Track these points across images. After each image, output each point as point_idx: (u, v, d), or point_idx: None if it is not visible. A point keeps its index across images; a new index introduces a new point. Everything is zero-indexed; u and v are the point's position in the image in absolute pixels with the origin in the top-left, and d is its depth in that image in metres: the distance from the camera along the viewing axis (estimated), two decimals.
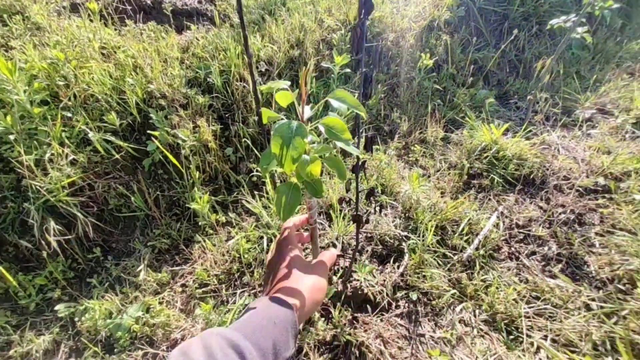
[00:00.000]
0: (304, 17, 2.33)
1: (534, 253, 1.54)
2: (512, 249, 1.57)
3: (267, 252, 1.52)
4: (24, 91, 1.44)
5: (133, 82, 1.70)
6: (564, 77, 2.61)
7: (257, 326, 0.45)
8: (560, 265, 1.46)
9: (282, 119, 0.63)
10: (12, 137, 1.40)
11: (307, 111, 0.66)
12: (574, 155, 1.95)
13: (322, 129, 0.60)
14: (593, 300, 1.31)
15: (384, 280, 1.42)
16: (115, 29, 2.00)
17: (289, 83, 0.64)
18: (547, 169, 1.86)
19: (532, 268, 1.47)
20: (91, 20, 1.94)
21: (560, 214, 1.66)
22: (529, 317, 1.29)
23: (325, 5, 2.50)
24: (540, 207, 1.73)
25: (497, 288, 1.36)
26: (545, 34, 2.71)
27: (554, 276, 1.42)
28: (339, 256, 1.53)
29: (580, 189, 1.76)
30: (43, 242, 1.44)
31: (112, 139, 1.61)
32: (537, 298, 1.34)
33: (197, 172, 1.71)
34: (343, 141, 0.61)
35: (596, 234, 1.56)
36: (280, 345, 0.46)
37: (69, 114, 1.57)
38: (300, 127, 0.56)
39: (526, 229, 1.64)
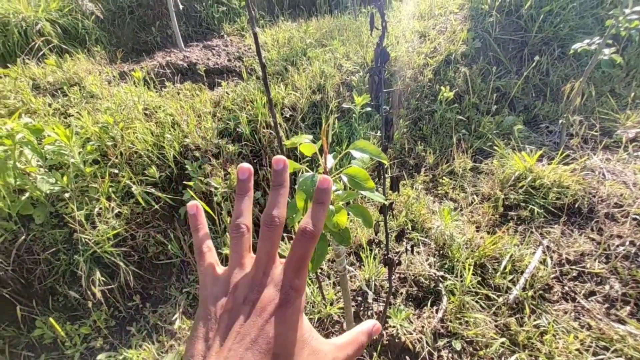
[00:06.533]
0: (324, 64, 2.48)
1: (593, 293, 1.38)
2: (566, 288, 1.41)
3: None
4: (79, 153, 1.62)
5: (171, 138, 1.86)
6: (597, 96, 2.49)
7: None
8: (628, 308, 1.29)
9: (305, 170, 0.66)
10: (67, 195, 1.55)
11: (330, 161, 0.69)
12: (623, 179, 1.79)
13: (345, 179, 0.62)
14: None
15: (423, 327, 1.32)
16: (157, 91, 2.24)
17: (310, 137, 0.68)
18: (594, 196, 1.72)
19: (594, 311, 1.30)
20: (136, 86, 2.19)
21: (617, 246, 1.50)
22: None
23: (342, 51, 2.65)
24: (593, 239, 1.58)
25: (554, 335, 1.21)
26: (569, 56, 2.65)
27: (622, 321, 1.25)
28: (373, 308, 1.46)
29: (638, 217, 1.60)
30: (89, 292, 1.52)
31: (152, 190, 1.74)
32: (606, 349, 1.17)
33: (229, 217, 1.77)
34: (367, 190, 0.63)
35: None
36: None
37: (116, 171, 1.73)
38: None
39: (579, 265, 1.48)
